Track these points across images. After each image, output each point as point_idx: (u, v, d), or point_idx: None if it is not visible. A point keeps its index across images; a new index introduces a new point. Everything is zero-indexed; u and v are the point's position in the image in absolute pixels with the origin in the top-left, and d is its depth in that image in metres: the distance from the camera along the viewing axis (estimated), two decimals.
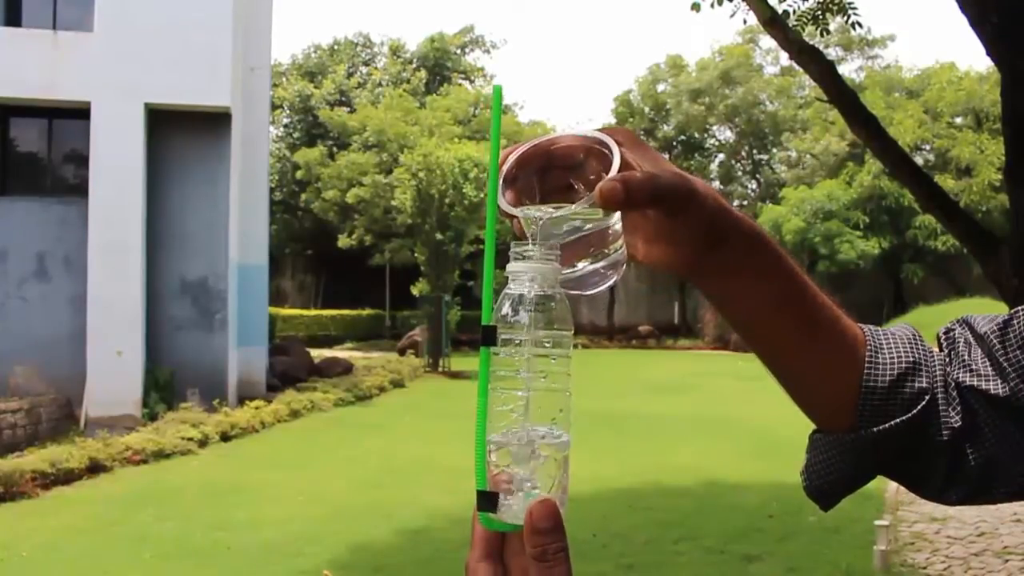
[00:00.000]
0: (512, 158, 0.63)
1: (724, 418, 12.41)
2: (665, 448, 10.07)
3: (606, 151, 0.61)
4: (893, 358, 0.75)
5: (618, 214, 0.61)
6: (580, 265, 0.62)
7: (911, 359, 0.75)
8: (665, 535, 6.35)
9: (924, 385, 0.75)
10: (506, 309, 0.55)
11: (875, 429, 0.73)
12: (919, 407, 0.74)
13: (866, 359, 0.74)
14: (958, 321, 0.82)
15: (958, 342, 0.79)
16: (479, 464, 0.54)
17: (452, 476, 7.81)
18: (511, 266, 0.56)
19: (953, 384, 0.76)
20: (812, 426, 0.80)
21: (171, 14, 11.73)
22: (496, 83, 0.62)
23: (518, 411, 0.55)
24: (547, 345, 0.55)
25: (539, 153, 0.64)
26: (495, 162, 0.60)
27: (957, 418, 0.75)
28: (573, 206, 0.58)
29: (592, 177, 0.59)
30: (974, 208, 22.63)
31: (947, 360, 0.78)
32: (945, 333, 0.81)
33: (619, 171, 0.59)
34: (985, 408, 0.75)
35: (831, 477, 0.78)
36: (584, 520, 6.45)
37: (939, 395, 0.75)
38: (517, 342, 0.55)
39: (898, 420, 0.73)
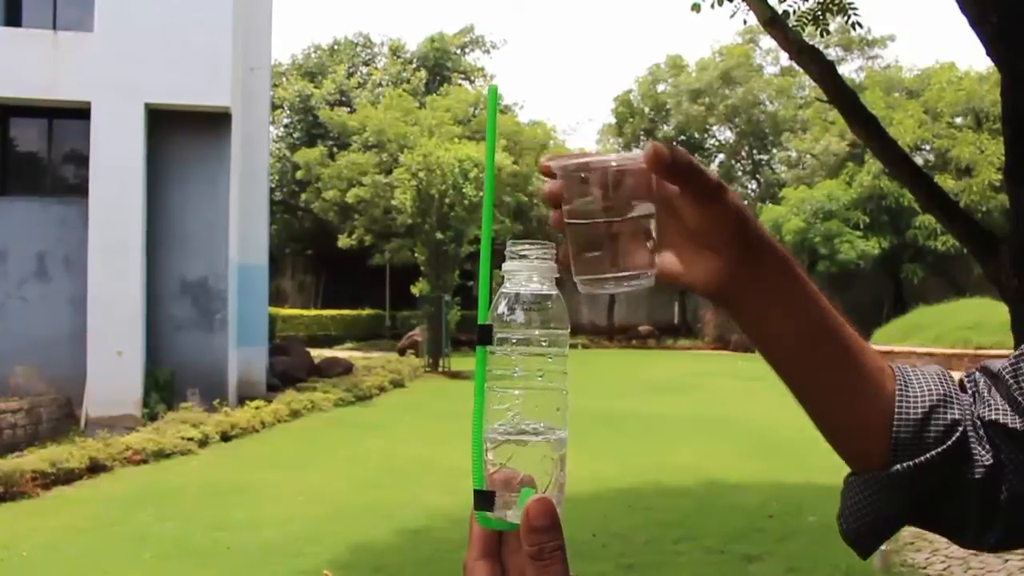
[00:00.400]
0: (556, 163, 0.65)
1: (724, 418, 12.40)
2: (665, 448, 10.06)
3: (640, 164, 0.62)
4: (924, 391, 0.74)
5: (651, 207, 0.62)
6: (605, 276, 0.62)
7: (941, 392, 0.75)
8: (665, 535, 6.34)
9: (957, 416, 0.74)
10: (502, 308, 0.55)
11: (911, 463, 0.72)
12: (954, 437, 0.73)
13: (896, 391, 0.74)
14: (978, 368, 0.82)
15: (979, 383, 0.79)
16: (476, 463, 0.54)
17: (452, 476, 7.80)
18: (507, 265, 0.56)
19: (979, 423, 0.76)
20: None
21: (171, 14, 11.73)
22: (492, 83, 0.62)
23: (515, 410, 0.55)
24: (543, 344, 0.55)
25: (578, 167, 0.65)
26: (491, 162, 0.60)
27: (988, 456, 0.74)
28: (624, 153, 0.61)
29: (624, 193, 0.62)
30: (974, 208, 22.62)
31: (972, 400, 0.78)
32: (967, 377, 0.81)
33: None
34: (1006, 443, 0.74)
35: (868, 519, 0.77)
36: (584, 520, 6.44)
37: (970, 431, 0.74)
38: (513, 341, 0.55)
39: (934, 452, 0.72)
